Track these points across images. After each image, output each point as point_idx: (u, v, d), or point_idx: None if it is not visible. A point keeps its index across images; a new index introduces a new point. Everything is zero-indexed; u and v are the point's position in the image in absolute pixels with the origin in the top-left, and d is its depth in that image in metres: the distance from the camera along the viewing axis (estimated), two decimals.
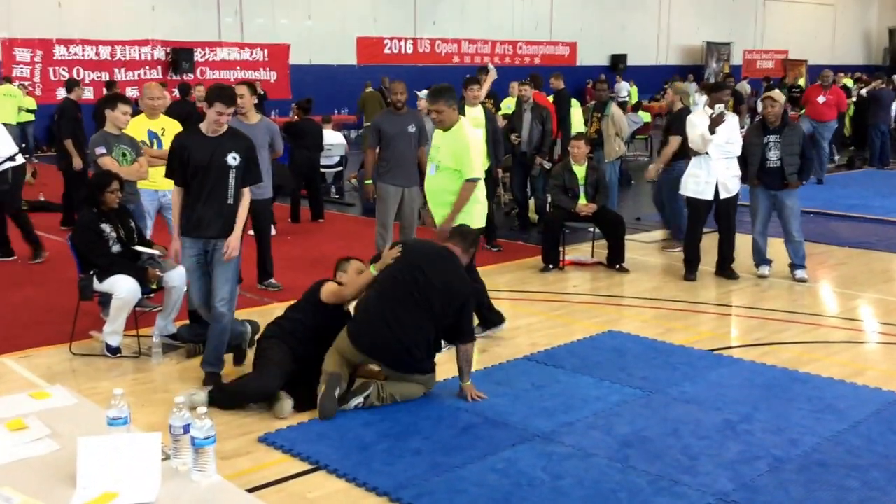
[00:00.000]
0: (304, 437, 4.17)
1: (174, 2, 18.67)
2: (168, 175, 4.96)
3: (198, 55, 19.05)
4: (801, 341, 5.78)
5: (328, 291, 4.87)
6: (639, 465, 3.90)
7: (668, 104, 9.26)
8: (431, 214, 5.76)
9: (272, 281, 7.07)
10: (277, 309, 6.55)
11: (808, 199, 9.30)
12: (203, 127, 4.85)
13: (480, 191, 5.63)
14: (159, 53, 18.67)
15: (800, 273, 7.26)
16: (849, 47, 32.52)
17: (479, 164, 5.59)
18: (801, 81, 20.68)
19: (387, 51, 21.94)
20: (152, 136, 6.47)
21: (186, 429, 2.40)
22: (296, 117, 11.39)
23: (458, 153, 5.51)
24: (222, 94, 4.74)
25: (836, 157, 15.70)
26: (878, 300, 6.87)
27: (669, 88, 9.11)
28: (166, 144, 6.46)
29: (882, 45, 32.55)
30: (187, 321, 5.65)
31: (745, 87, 20.98)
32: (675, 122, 8.30)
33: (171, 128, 6.54)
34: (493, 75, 9.22)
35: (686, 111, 8.45)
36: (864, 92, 15.28)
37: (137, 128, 6.40)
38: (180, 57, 18.57)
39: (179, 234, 4.90)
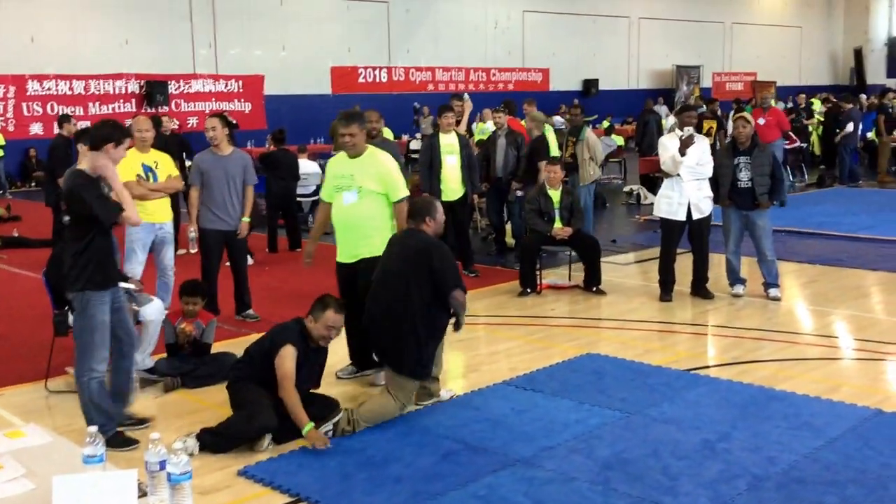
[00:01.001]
0: (284, 469, 4.14)
1: (148, 35, 18.69)
2: (79, 231, 4.29)
3: (172, 87, 19.05)
4: (776, 359, 5.84)
5: (280, 370, 4.42)
6: (620, 487, 3.92)
7: (526, 131, 9.61)
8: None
9: (250, 312, 7.04)
10: None
11: (780, 218, 9.43)
12: (92, 167, 4.32)
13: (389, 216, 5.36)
14: (133, 86, 18.63)
15: (773, 291, 7.35)
16: (815, 68, 33.15)
17: (403, 183, 5.43)
18: (772, 102, 21.02)
19: (361, 80, 22.07)
20: (147, 169, 6.43)
21: (162, 465, 2.38)
22: (271, 148, 11.43)
23: (384, 176, 5.30)
24: (127, 129, 4.56)
25: (806, 177, 15.96)
26: (850, 316, 6.96)
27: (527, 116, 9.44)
28: (161, 177, 6.47)
29: (848, 66, 33.20)
30: (164, 354, 5.61)
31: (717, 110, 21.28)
32: (537, 149, 8.82)
33: (162, 161, 6.54)
34: (468, 105, 9.29)
35: (542, 138, 8.85)
36: (844, 132, 15.44)
37: (131, 162, 6.35)
38: (154, 90, 18.55)
39: (92, 289, 4.32)
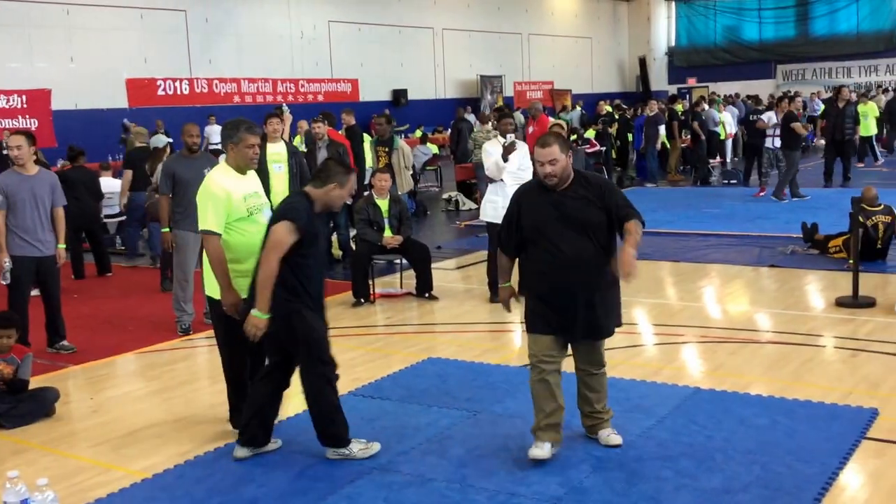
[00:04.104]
0: (128, 502, 3.89)
1: None
2: None
3: None
4: None
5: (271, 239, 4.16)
6: (476, 483, 4.02)
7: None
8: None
9: (65, 343, 6.56)
10: (73, 374, 6.09)
11: None
12: None
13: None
14: None
15: None
16: (606, 76, 35.53)
17: (210, 215, 4.40)
18: (541, 110, 22.39)
19: (161, 92, 21.02)
20: None
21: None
22: (65, 166, 10.67)
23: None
24: None
25: (607, 178, 17.09)
26: (661, 305, 7.54)
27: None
28: None
29: (634, 73, 35.88)
30: None
31: (519, 118, 22.29)
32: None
33: None
34: (288, 116, 9.14)
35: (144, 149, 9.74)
36: (660, 134, 16.69)
37: None
38: None
39: None
